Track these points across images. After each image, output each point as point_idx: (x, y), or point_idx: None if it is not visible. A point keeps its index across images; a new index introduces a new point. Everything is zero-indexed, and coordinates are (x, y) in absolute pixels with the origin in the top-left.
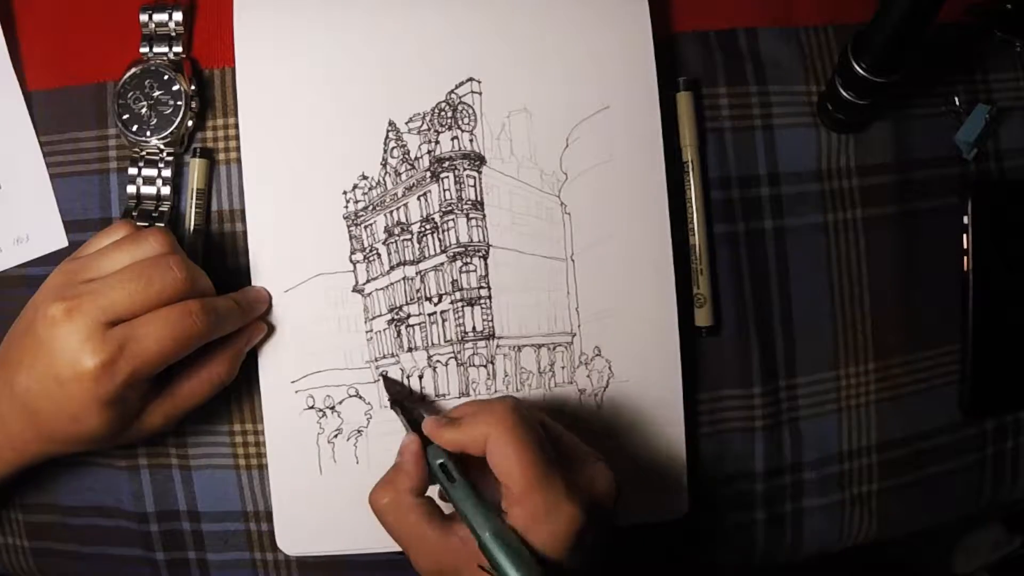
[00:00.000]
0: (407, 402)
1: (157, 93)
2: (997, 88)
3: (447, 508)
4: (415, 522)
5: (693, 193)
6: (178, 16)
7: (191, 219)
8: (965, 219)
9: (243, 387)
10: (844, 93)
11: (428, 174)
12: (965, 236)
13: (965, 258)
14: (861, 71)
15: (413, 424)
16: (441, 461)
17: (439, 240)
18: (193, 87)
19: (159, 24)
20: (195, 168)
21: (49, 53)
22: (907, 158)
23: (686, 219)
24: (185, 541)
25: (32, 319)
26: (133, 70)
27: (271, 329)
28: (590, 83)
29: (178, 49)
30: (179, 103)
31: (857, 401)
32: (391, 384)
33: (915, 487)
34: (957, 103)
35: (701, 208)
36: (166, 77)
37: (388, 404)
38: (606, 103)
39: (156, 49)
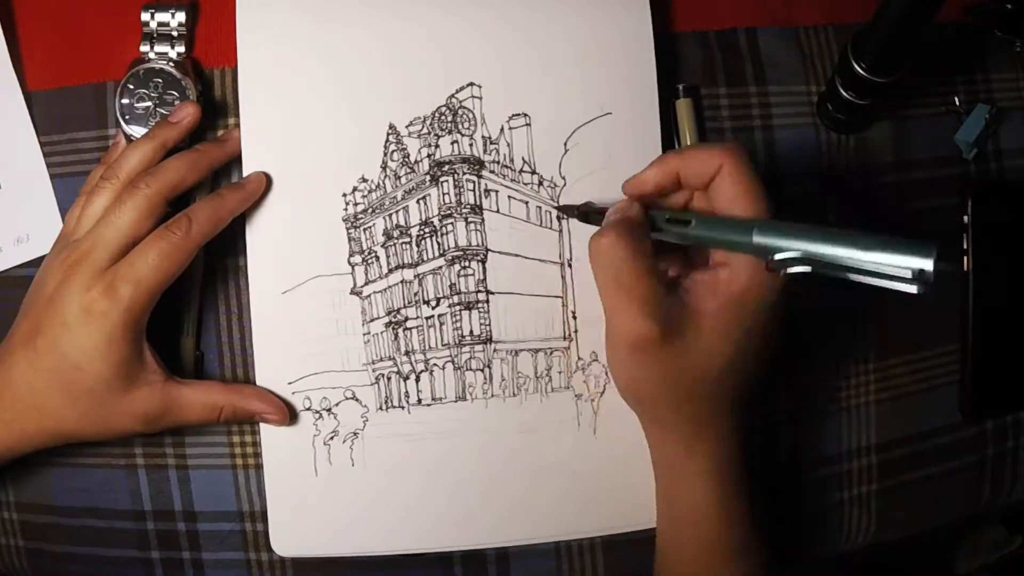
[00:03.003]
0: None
1: (166, 94)
2: (997, 88)
3: None
4: (649, 278)
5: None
6: (181, 16)
7: None
8: (965, 219)
9: None
10: (844, 93)
11: (427, 178)
12: (965, 236)
13: (965, 258)
14: (861, 71)
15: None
16: (667, 215)
17: (438, 244)
18: (199, 87)
19: (161, 24)
20: None
21: (49, 53)
22: (907, 158)
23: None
24: (180, 541)
25: (39, 293)
26: (136, 69)
27: (269, 330)
28: (590, 89)
29: (180, 49)
30: None
31: (857, 401)
32: (569, 209)
33: (915, 488)
34: (957, 103)
35: None
36: (175, 77)
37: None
38: (606, 109)
39: (157, 49)
